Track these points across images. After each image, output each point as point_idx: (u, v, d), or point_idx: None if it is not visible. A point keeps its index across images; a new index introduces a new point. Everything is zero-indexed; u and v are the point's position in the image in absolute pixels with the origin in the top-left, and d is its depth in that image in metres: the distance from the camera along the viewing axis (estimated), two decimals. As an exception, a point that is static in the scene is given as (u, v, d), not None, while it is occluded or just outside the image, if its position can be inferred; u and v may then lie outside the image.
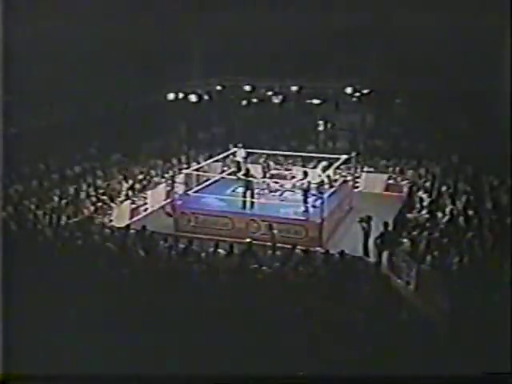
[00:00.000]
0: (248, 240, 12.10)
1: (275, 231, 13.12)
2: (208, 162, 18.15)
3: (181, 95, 21.18)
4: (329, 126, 22.53)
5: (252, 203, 14.86)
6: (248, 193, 14.91)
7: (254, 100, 21.65)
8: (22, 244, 11.13)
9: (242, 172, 15.75)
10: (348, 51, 21.14)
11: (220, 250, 11.47)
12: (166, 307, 8.74)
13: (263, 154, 19.39)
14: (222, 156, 18.20)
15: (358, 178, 18.55)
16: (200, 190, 16.45)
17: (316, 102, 21.37)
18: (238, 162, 17.55)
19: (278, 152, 19.42)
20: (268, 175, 18.23)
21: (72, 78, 18.21)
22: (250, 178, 15.07)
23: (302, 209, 14.52)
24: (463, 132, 19.58)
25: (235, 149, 17.90)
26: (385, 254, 12.05)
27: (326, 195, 14.42)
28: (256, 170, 17.69)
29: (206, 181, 17.13)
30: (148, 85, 20.64)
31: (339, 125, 22.79)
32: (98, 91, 19.12)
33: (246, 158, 17.71)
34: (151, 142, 21.21)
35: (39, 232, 12.54)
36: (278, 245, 12.26)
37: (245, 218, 14.44)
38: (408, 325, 8.44)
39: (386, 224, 12.53)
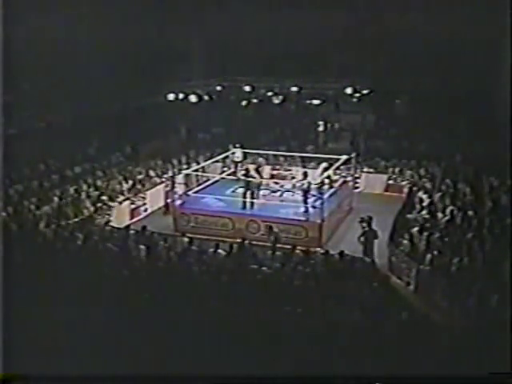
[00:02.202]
0: (248, 240, 12.11)
1: (276, 230, 13.12)
2: (208, 162, 18.14)
3: (181, 95, 21.18)
4: (329, 126, 22.53)
5: (252, 203, 14.86)
6: (248, 193, 14.92)
7: (254, 100, 21.63)
8: (22, 244, 11.12)
9: (242, 172, 15.74)
10: (348, 51, 21.14)
11: (220, 250, 11.47)
12: (166, 307, 8.74)
13: (263, 154, 19.40)
14: (222, 156, 18.20)
15: (358, 178, 18.54)
16: (200, 190, 16.45)
17: (316, 102, 21.35)
18: (237, 163, 17.49)
19: (278, 152, 19.42)
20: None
21: (72, 78, 18.20)
22: (250, 178, 15.07)
23: (302, 209, 14.51)
24: (463, 132, 19.58)
25: (233, 149, 17.90)
26: (382, 254, 12.11)
27: (325, 196, 14.41)
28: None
29: (206, 181, 17.14)
30: (148, 85, 20.64)
31: (339, 125, 22.79)
32: (98, 91, 19.12)
33: (242, 160, 17.64)
34: (151, 142, 21.21)
35: (39, 232, 12.54)
36: (278, 245, 12.27)
37: (245, 218, 14.44)
38: (408, 325, 8.44)
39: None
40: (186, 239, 12.23)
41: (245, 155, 18.08)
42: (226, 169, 18.86)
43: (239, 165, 17.77)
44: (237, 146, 17.90)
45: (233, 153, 18.00)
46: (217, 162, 18.61)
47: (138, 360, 7.29)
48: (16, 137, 15.64)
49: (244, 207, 14.83)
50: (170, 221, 15.18)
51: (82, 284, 9.23)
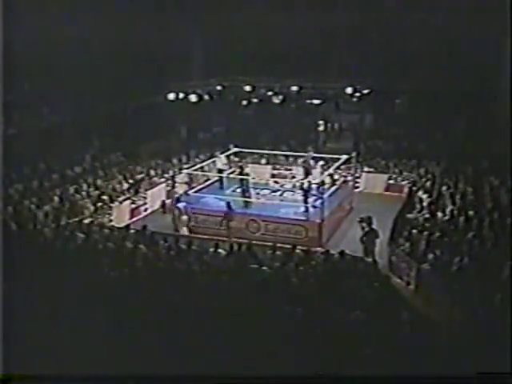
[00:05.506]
0: (247, 240, 12.12)
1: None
2: (208, 161, 18.14)
3: (181, 95, 21.20)
4: (329, 126, 22.54)
5: (250, 203, 14.87)
6: (245, 193, 14.95)
7: (254, 100, 21.65)
8: (22, 244, 11.11)
9: (238, 171, 15.66)
10: (348, 51, 21.15)
11: (220, 250, 11.47)
12: (166, 307, 8.74)
13: (264, 154, 19.43)
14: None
15: (358, 178, 18.55)
16: (200, 189, 16.45)
17: (316, 102, 21.37)
18: (221, 171, 16.67)
19: (278, 152, 19.43)
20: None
21: (72, 78, 18.21)
22: (248, 177, 15.10)
23: (302, 209, 14.52)
24: (463, 132, 19.58)
25: (216, 158, 17.02)
26: (382, 253, 12.09)
27: (326, 195, 14.42)
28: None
29: (206, 180, 17.13)
30: (148, 85, 20.65)
31: (339, 125, 22.79)
32: (98, 91, 19.12)
33: (227, 165, 16.75)
34: (151, 141, 21.22)
35: (39, 232, 12.53)
36: (278, 245, 12.26)
37: (245, 218, 14.44)
38: (408, 325, 8.43)
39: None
40: (186, 239, 12.24)
41: (229, 162, 17.09)
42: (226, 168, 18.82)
43: (222, 172, 16.67)
44: (219, 153, 16.95)
45: (214, 161, 17.03)
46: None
47: (139, 360, 7.29)
48: (16, 137, 15.64)
49: (245, 206, 14.85)
50: (170, 221, 15.18)
51: (82, 284, 9.23)
